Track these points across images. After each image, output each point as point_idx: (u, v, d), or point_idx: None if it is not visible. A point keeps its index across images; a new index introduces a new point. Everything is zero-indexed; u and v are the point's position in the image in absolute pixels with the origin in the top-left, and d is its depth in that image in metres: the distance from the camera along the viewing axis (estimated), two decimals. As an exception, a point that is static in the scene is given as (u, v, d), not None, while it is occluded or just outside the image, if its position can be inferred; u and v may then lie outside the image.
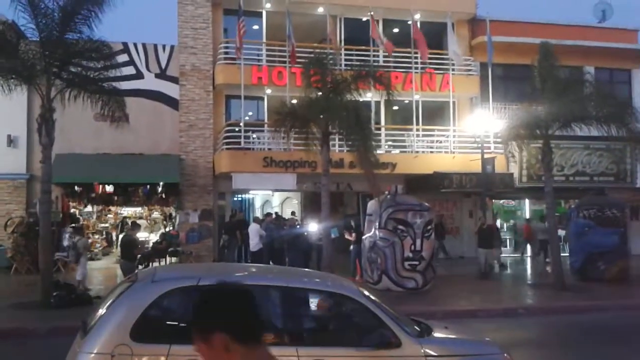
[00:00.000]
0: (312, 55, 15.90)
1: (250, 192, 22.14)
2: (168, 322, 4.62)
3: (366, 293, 5.10)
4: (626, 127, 14.13)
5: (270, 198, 24.44)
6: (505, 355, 5.16)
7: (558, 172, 20.13)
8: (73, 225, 17.02)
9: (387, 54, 19.95)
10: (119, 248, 20.06)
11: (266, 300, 5.02)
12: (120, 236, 20.34)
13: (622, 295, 13.45)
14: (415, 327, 5.11)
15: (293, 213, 19.79)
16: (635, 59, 23.54)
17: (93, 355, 4.26)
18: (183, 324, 4.48)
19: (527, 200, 22.92)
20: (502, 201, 22.90)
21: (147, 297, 4.49)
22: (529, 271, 18.14)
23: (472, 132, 19.71)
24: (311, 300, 5.20)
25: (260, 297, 5.06)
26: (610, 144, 20.14)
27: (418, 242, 13.68)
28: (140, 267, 18.22)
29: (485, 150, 18.28)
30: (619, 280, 15.00)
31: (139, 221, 20.87)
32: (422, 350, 4.75)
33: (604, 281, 14.94)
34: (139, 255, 14.87)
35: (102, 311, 4.68)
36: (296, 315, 4.92)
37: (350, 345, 4.71)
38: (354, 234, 16.96)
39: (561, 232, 18.19)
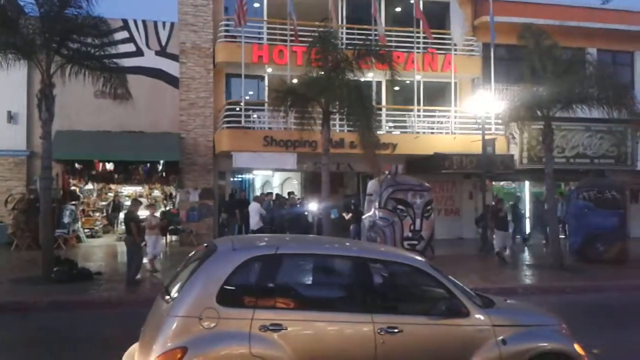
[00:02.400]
0: (313, 34, 15.78)
1: (251, 171, 22.14)
2: (251, 288, 4.81)
3: (435, 266, 5.27)
4: (627, 109, 14.09)
5: (271, 178, 24.45)
6: (564, 326, 5.41)
7: (559, 154, 20.13)
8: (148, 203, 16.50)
9: (389, 32, 19.80)
10: (119, 226, 20.26)
11: (343, 270, 5.36)
12: (121, 215, 20.43)
13: (620, 276, 13.51)
14: (479, 299, 5.30)
15: (291, 193, 19.79)
16: (638, 41, 23.37)
17: (182, 318, 4.46)
18: (265, 290, 4.76)
19: (527, 182, 22.91)
20: (502, 183, 22.88)
21: (230, 264, 4.70)
22: (526, 252, 18.18)
23: (473, 113, 19.66)
24: (384, 270, 5.41)
25: (338, 267, 5.37)
26: (611, 126, 20.14)
27: (417, 222, 13.67)
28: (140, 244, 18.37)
29: (486, 132, 18.24)
30: (617, 261, 15.06)
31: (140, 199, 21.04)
32: (489, 320, 4.96)
33: (602, 262, 14.99)
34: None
35: (184, 277, 4.85)
36: (371, 284, 5.10)
37: (422, 313, 4.92)
38: (350, 214, 17.05)
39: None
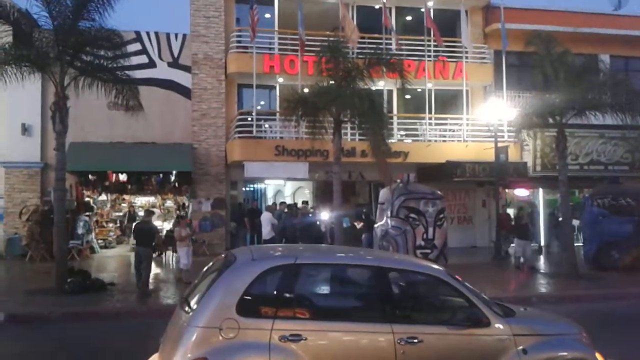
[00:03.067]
0: (324, 44, 15.83)
1: (263, 181, 22.17)
2: (270, 298, 4.81)
3: (454, 275, 5.25)
4: (643, 116, 13.96)
5: (282, 188, 24.45)
6: (584, 334, 5.36)
7: (572, 161, 19.95)
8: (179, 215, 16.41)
9: (400, 41, 19.83)
10: (131, 236, 20.32)
11: (362, 279, 5.36)
12: (133, 225, 20.53)
13: (636, 283, 13.33)
14: (499, 308, 5.26)
15: (305, 202, 19.80)
16: (651, 47, 23.23)
17: (201, 328, 4.46)
18: (284, 300, 4.74)
19: (541, 190, 22.74)
20: (515, 191, 22.72)
21: (249, 275, 4.70)
22: (542, 260, 18.02)
23: (485, 121, 19.58)
24: (403, 280, 5.40)
25: (357, 276, 5.38)
26: (625, 133, 19.93)
27: (430, 230, 13.61)
28: (153, 255, 18.42)
29: (498, 139, 18.18)
30: (633, 269, 14.86)
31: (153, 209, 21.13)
32: (510, 330, 4.92)
33: (618, 270, 14.84)
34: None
35: (203, 288, 4.86)
36: (390, 294, 5.05)
37: (442, 323, 4.89)
38: (362, 223, 17.00)
39: (575, 222, 18.03)
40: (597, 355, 5.08)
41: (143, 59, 19.51)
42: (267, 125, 19.83)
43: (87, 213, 19.30)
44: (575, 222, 18.00)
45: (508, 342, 4.86)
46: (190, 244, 14.08)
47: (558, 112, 14.58)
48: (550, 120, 14.92)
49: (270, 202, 21.94)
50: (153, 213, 14.56)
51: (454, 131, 20.62)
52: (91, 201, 20.54)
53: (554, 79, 14.79)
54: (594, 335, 5.51)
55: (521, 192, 21.87)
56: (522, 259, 15.56)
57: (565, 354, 5.00)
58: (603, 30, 21.78)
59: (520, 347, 4.86)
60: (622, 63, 22.82)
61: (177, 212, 22.03)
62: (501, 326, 4.92)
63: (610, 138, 20.92)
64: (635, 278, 14.00)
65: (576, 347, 5.14)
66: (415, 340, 4.65)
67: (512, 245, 19.40)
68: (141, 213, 20.55)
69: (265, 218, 16.60)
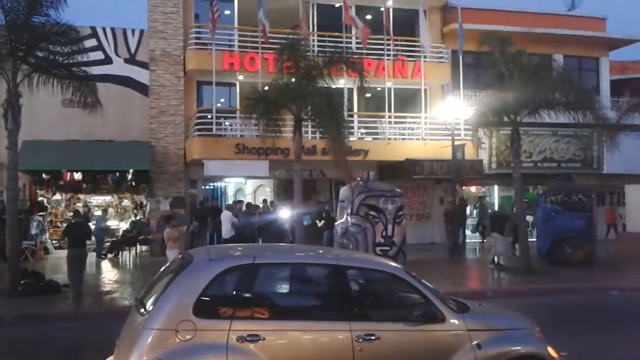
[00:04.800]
0: (284, 41, 15.81)
1: (223, 179, 22.02)
2: (228, 299, 4.77)
3: (410, 272, 5.30)
4: (593, 114, 14.38)
5: (243, 186, 24.31)
6: (537, 329, 5.49)
7: (526, 159, 20.48)
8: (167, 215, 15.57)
9: (359, 40, 19.95)
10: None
11: (320, 278, 5.35)
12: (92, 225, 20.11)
13: (588, 278, 13.77)
14: (454, 304, 5.35)
15: (265, 200, 19.73)
16: (602, 47, 24.00)
17: (157, 330, 4.40)
18: (242, 300, 4.74)
19: (496, 187, 23.26)
20: (472, 188, 23.19)
21: (207, 275, 4.65)
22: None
23: (443, 120, 19.91)
24: (361, 278, 5.43)
25: (315, 275, 5.37)
26: (577, 131, 20.55)
27: (389, 227, 13.78)
28: (109, 255, 18.13)
29: (455, 137, 18.49)
30: (585, 263, 15.34)
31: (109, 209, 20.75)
32: (465, 325, 5.00)
33: (570, 265, 15.23)
34: (87, 242, 14.58)
35: (159, 289, 4.79)
36: (348, 292, 5.08)
37: (399, 320, 4.94)
38: (323, 221, 17.07)
39: (529, 218, 18.51)
40: (550, 349, 5.21)
41: (99, 55, 19.10)
42: (227, 123, 19.68)
43: (41, 213, 18.83)
44: (529, 218, 18.48)
45: (463, 337, 4.95)
46: (181, 247, 13.47)
47: (513, 110, 14.91)
48: (506, 119, 15.25)
49: (230, 201, 21.79)
50: (80, 213, 14.22)
51: (412, 129, 20.88)
52: (45, 201, 20.02)
53: (509, 79, 15.11)
54: (546, 330, 5.67)
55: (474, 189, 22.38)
56: (495, 255, 15.59)
57: (518, 348, 5.12)
58: (557, 30, 22.38)
59: (475, 342, 4.96)
60: (575, 63, 23.46)
61: (135, 211, 21.70)
62: (456, 322, 5.01)
63: (563, 136, 21.54)
64: (587, 272, 14.46)
65: (529, 341, 5.27)
66: (373, 338, 4.70)
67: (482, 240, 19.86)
68: (97, 212, 20.16)
69: (225, 217, 16.48)
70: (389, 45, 20.32)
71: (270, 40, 18.39)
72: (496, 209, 20.02)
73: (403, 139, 20.57)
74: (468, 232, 20.98)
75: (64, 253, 18.64)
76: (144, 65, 19.54)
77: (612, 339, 8.33)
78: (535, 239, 17.62)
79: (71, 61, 13.17)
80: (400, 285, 5.22)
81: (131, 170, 19.17)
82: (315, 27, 20.60)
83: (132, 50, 19.71)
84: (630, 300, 11.71)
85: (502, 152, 20.43)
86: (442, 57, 21.70)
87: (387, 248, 13.74)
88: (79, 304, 11.03)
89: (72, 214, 13.98)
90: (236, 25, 20.17)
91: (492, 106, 15.23)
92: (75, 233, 11.96)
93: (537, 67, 15.71)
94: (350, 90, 20.56)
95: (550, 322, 7.80)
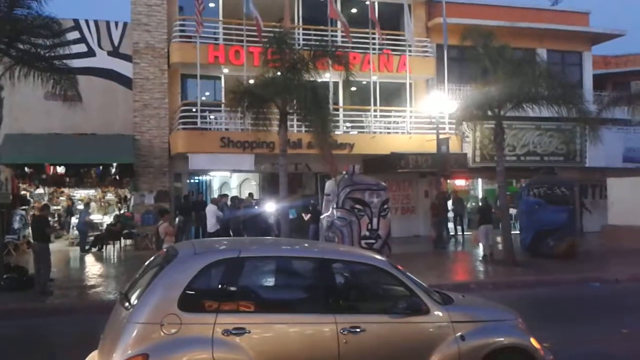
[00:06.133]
0: (270, 35, 15.75)
1: (208, 173, 21.95)
2: (213, 293, 4.77)
3: (395, 265, 5.33)
4: (576, 108, 14.50)
5: (229, 179, 24.27)
6: (520, 320, 5.55)
7: (510, 152, 20.65)
8: (162, 209, 15.21)
9: (345, 34, 19.95)
10: (72, 230, 19.78)
11: (306, 271, 5.39)
12: (74, 219, 19.98)
13: (570, 270, 13.92)
14: (438, 296, 5.38)
15: (251, 195, 19.72)
16: (586, 42, 24.21)
17: (142, 324, 4.39)
18: (227, 294, 4.72)
19: (480, 180, 23.44)
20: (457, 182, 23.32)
21: (192, 269, 4.64)
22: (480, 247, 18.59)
23: (427, 113, 19.99)
24: (347, 271, 5.45)
25: (301, 268, 5.39)
26: (560, 125, 20.73)
27: (375, 221, 13.79)
28: (93, 249, 18.01)
29: (440, 131, 18.59)
30: (567, 256, 15.48)
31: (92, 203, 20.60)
32: (448, 317, 5.05)
33: (553, 257, 15.39)
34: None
35: (144, 283, 4.78)
36: (333, 285, 5.10)
37: (384, 312, 4.97)
38: (309, 215, 17.10)
39: (512, 211, 18.67)
40: (532, 340, 5.28)
41: (82, 47, 18.92)
42: (212, 117, 19.59)
43: (24, 207, 18.65)
44: (512, 211, 18.64)
45: (447, 329, 5.01)
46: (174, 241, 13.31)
47: (496, 104, 15.02)
48: (490, 113, 15.35)
49: (216, 194, 21.74)
50: (49, 207, 14.21)
51: (397, 123, 20.94)
52: (28, 194, 19.84)
53: (493, 73, 15.20)
54: (529, 321, 5.75)
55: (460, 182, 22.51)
56: (485, 248, 15.67)
57: (501, 339, 5.19)
58: (541, 25, 22.52)
59: (459, 334, 5.01)
60: (558, 57, 23.67)
61: (119, 205, 21.58)
62: (440, 313, 5.06)
63: (546, 130, 21.73)
64: (569, 265, 14.63)
65: (512, 332, 5.34)
66: (358, 330, 4.73)
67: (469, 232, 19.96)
68: (80, 206, 20.03)
69: (210, 210, 16.45)
70: (374, 39, 20.33)
71: (256, 33, 18.33)
72: (479, 202, 20.11)
73: (388, 132, 20.63)
74: (451, 225, 21.15)
75: (47, 247, 18.61)
76: (127, 58, 19.38)
77: (593, 330, 8.45)
78: (518, 232, 17.78)
79: (54, 54, 12.99)
80: (385, 278, 5.25)
81: (115, 164, 19.04)
82: (301, 21, 20.56)
83: (116, 42, 19.53)
84: (611, 291, 11.90)
85: (486, 145, 20.57)
86: (427, 51, 21.75)
87: (373, 241, 13.77)
88: (42, 299, 10.74)
89: (41, 207, 13.78)
90: (221, 18, 20.05)
91: (476, 100, 15.32)
92: (34, 227, 11.92)
93: (520, 61, 15.81)
94: (336, 83, 20.58)
95: (533, 313, 7.90)
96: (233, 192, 22.62)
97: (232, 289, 4.78)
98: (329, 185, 14.62)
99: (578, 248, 16.14)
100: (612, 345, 7.69)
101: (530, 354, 5.17)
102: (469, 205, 23.57)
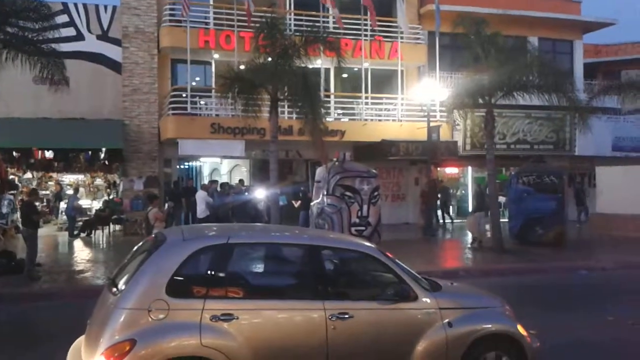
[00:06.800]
0: (261, 20, 15.62)
1: (198, 159, 21.86)
2: (202, 279, 4.76)
3: (384, 252, 5.33)
4: (566, 97, 14.55)
5: (219, 166, 24.19)
6: (507, 307, 5.59)
7: (500, 140, 20.73)
8: (151, 194, 14.72)
9: (336, 19, 19.82)
10: (61, 215, 19.67)
11: (295, 258, 5.39)
12: (62, 204, 19.86)
13: (558, 258, 14.06)
14: (427, 283, 5.40)
15: (241, 181, 19.67)
16: (577, 30, 24.25)
17: (130, 310, 4.38)
18: (216, 280, 4.72)
19: (470, 168, 23.51)
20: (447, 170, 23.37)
21: (180, 255, 4.63)
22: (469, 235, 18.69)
23: (419, 101, 19.97)
24: (336, 257, 5.46)
25: (290, 255, 5.39)
26: (550, 113, 20.83)
27: (365, 208, 13.83)
28: (82, 234, 17.95)
29: (431, 119, 18.59)
30: (556, 244, 15.62)
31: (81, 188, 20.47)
32: (436, 303, 5.08)
33: (541, 245, 15.52)
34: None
35: (132, 269, 4.76)
36: (322, 271, 5.11)
37: (373, 299, 4.99)
38: (299, 201, 17.10)
39: (501, 199, 18.77)
40: (519, 327, 5.32)
41: (71, 31, 18.73)
42: (202, 102, 19.47)
43: (12, 191, 18.51)
44: (502, 199, 18.73)
45: (434, 315, 5.03)
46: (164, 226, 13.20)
47: (487, 92, 15.03)
48: (480, 101, 15.37)
49: (206, 180, 21.67)
50: (37, 192, 14.17)
51: (389, 110, 20.92)
52: (16, 179, 19.69)
53: (484, 60, 15.19)
54: (516, 308, 5.79)
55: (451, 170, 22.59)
56: (477, 235, 15.75)
57: (488, 326, 5.22)
58: (532, 12, 22.52)
59: (446, 320, 5.04)
60: (549, 45, 23.68)
61: (108, 190, 21.47)
62: (428, 300, 5.08)
63: (536, 118, 21.81)
64: (557, 253, 14.76)
65: (499, 319, 5.38)
66: (346, 316, 4.74)
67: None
68: (69, 191, 19.90)
69: (200, 196, 16.39)
70: (366, 25, 20.24)
71: (245, 19, 18.18)
72: (469, 189, 20.23)
73: (379, 120, 20.63)
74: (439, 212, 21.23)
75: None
76: (116, 42, 19.19)
77: (579, 317, 8.54)
78: (507, 220, 17.89)
79: (42, 37, 12.82)
80: (374, 265, 5.26)
81: (104, 149, 18.91)
82: (292, 6, 20.39)
83: (105, 26, 19.35)
84: (598, 279, 12.01)
85: (477, 133, 20.63)
86: (418, 38, 21.68)
87: (363, 228, 13.81)
88: (29, 284, 10.76)
89: (30, 192, 13.73)
90: (211, 2, 19.85)
91: (467, 88, 15.32)
92: (22, 212, 11.95)
93: (511, 49, 15.83)
94: (327, 70, 20.49)
95: (521, 300, 7.97)
96: (223, 179, 22.55)
97: (221, 275, 4.77)
98: (320, 172, 14.61)
99: (566, 236, 16.26)
100: (597, 332, 7.78)
101: (517, 341, 5.20)
102: (458, 193, 23.68)
